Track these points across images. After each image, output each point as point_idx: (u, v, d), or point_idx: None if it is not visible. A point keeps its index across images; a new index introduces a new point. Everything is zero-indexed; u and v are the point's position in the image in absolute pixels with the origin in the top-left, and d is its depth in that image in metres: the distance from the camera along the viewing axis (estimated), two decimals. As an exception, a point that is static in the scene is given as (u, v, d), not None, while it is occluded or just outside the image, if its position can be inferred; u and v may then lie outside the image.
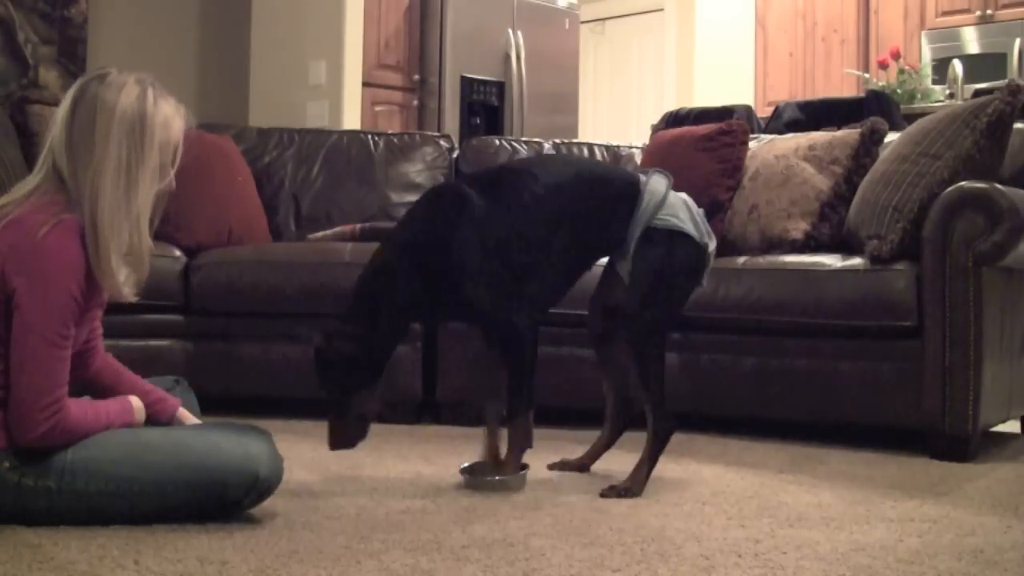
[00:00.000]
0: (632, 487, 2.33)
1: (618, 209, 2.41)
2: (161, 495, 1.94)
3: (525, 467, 2.42)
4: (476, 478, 2.40)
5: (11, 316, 1.86)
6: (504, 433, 2.43)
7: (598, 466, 2.59)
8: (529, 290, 2.36)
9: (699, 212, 2.45)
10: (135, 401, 2.07)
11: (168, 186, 2.04)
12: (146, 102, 1.96)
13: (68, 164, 1.93)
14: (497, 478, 2.38)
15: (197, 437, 2.02)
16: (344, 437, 2.30)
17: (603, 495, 2.31)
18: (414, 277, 2.30)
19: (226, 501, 1.98)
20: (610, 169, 2.67)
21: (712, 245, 2.45)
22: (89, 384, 2.10)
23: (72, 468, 1.90)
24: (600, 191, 2.44)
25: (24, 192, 1.95)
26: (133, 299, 2.02)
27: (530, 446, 2.42)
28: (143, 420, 2.07)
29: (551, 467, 2.60)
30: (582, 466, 2.59)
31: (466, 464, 2.46)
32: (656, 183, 2.43)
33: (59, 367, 1.88)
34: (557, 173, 2.44)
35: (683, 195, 2.47)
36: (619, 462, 2.52)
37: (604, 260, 2.53)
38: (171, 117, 2.01)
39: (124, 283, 1.97)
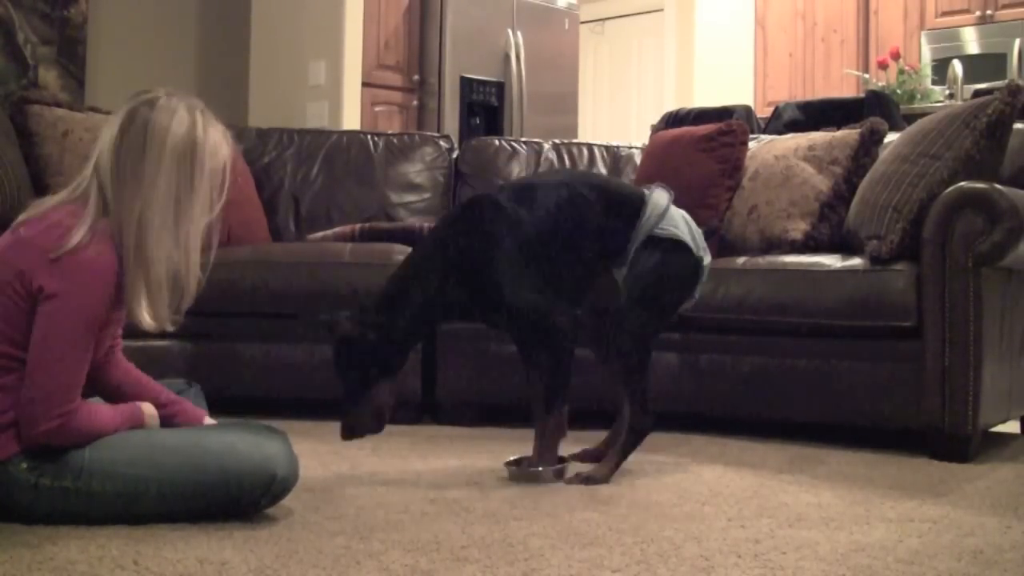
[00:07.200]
0: (597, 475, 2.44)
1: (626, 219, 2.53)
2: (178, 496, 1.94)
3: (563, 460, 2.53)
4: (520, 469, 2.50)
5: (31, 316, 1.85)
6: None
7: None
8: (562, 292, 2.48)
9: (696, 229, 2.59)
10: (147, 408, 2.06)
11: (218, 218, 2.04)
12: (196, 130, 1.97)
13: (114, 191, 1.92)
14: (540, 469, 2.48)
15: (214, 439, 2.02)
16: (358, 428, 2.37)
17: (568, 482, 2.43)
18: (447, 276, 2.42)
19: (243, 502, 1.99)
20: (621, 183, 2.87)
21: (707, 259, 2.58)
22: (112, 394, 2.10)
23: (89, 469, 1.90)
24: (615, 201, 2.56)
25: (58, 200, 1.94)
26: (155, 329, 1.99)
27: (564, 436, 2.52)
28: (156, 427, 2.06)
29: (572, 457, 2.65)
30: (599, 455, 2.65)
31: (512, 458, 2.56)
32: (659, 196, 2.57)
33: (80, 371, 1.89)
34: (580, 184, 2.58)
35: (683, 211, 2.60)
36: (634, 459, 2.53)
37: None
38: (219, 144, 2.01)
39: (152, 312, 1.95)
